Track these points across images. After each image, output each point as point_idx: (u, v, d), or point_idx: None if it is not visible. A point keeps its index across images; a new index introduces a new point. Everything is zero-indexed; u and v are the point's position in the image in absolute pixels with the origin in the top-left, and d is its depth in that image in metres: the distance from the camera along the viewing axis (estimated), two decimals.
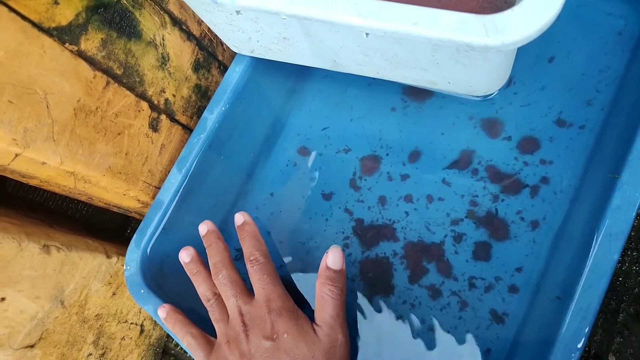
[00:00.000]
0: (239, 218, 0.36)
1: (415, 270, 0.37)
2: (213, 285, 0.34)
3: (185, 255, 0.35)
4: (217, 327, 0.33)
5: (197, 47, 0.41)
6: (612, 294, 0.37)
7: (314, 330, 0.31)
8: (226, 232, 0.42)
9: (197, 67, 0.42)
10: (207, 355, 0.32)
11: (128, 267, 0.38)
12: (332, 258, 0.32)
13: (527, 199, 0.36)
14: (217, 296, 0.33)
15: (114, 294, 0.41)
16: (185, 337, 0.33)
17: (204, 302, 0.34)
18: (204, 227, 0.36)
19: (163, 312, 0.35)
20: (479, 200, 0.37)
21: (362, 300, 0.38)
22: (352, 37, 0.29)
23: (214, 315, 0.33)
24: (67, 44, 0.30)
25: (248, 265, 0.33)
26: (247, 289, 0.33)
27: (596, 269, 0.28)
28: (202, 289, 0.34)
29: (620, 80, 0.36)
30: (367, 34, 0.27)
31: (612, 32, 0.37)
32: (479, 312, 0.35)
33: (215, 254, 0.34)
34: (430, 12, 0.24)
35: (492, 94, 0.37)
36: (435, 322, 0.35)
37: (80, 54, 0.31)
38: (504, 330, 0.34)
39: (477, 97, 0.37)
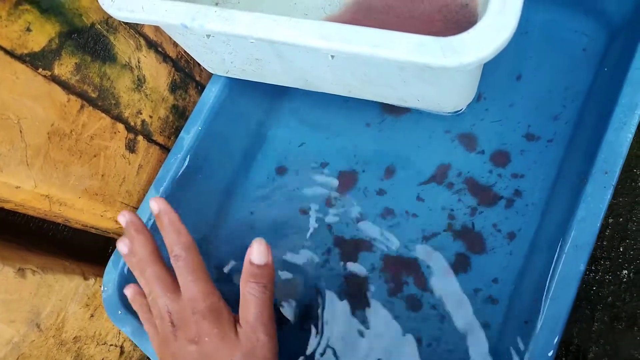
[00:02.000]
0: (153, 206, 0.32)
1: (394, 283, 0.38)
2: (145, 285, 0.32)
3: (122, 247, 0.33)
4: (147, 330, 0.32)
5: (173, 69, 0.42)
6: (587, 303, 0.37)
7: (236, 331, 0.30)
8: (210, 249, 0.42)
9: (174, 87, 0.42)
10: (158, 345, 0.31)
11: (105, 289, 0.38)
12: (256, 252, 0.30)
13: (502, 211, 0.37)
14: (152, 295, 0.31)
15: (92, 315, 0.41)
16: (145, 323, 0.32)
17: (147, 297, 0.32)
18: (121, 219, 0.33)
19: (130, 293, 0.33)
20: (456, 214, 0.38)
21: (344, 313, 0.38)
22: (320, 59, 0.30)
23: (154, 311, 0.32)
24: (40, 69, 0.31)
25: (172, 261, 0.31)
26: (175, 283, 0.31)
27: (563, 279, 0.29)
28: (142, 284, 0.32)
29: (585, 95, 0.37)
30: (332, 56, 0.28)
31: (577, 48, 0.38)
32: (458, 323, 0.35)
33: (139, 249, 0.32)
34: (390, 34, 0.24)
35: (460, 109, 0.38)
36: (416, 334, 0.36)
37: (54, 79, 0.32)
38: (484, 340, 0.34)
39: (447, 113, 0.38)
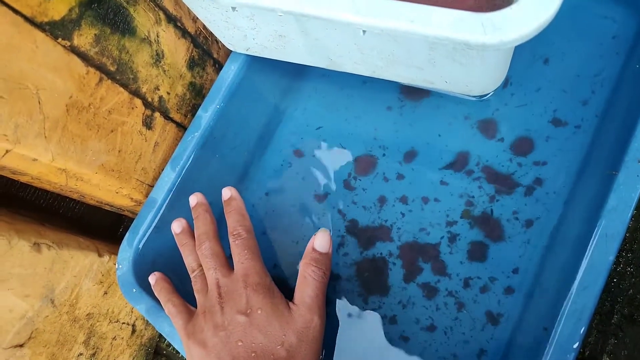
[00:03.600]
0: (226, 193, 0.36)
1: (410, 270, 0.37)
2: (198, 258, 0.34)
3: (177, 226, 0.36)
4: (197, 297, 0.33)
5: (192, 45, 0.41)
6: (607, 295, 0.37)
7: (290, 309, 0.31)
8: (224, 230, 0.42)
9: (192, 64, 0.41)
10: (185, 323, 0.32)
11: (120, 266, 0.37)
12: (320, 241, 0.33)
13: (522, 199, 0.36)
14: (201, 268, 0.34)
15: (105, 293, 0.40)
16: (167, 304, 0.34)
17: (189, 273, 0.35)
18: (193, 199, 0.37)
19: (153, 278, 0.36)
20: (475, 201, 0.37)
21: (357, 300, 0.37)
22: (348, 35, 0.29)
23: (195, 285, 0.34)
24: (59, 39, 0.30)
25: (230, 240, 0.33)
26: (228, 263, 0.33)
27: (592, 269, 0.28)
28: (189, 260, 0.35)
29: (615, 82, 0.36)
30: (364, 32, 0.27)
31: (607, 35, 0.37)
32: (474, 313, 0.35)
33: (202, 225, 0.35)
34: (427, 9, 0.23)
35: (488, 94, 0.37)
36: (430, 322, 0.35)
37: (73, 50, 0.31)
38: (498, 331, 0.34)
39: (473, 97, 0.37)
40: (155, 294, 0.35)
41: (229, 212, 0.35)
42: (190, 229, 0.36)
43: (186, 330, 0.32)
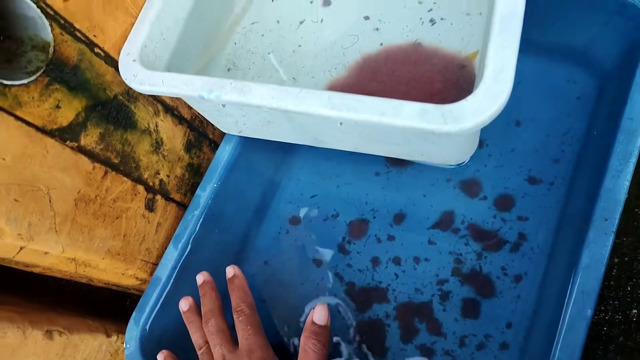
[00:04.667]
0: (230, 271, 0.38)
1: (407, 330, 0.38)
2: (205, 335, 0.36)
3: (184, 305, 0.38)
4: None
5: (188, 129, 0.44)
6: (599, 344, 0.38)
7: None
8: (226, 300, 0.43)
9: (189, 147, 0.44)
10: None
11: (128, 345, 0.39)
12: (318, 314, 0.34)
13: (509, 255, 0.38)
14: (208, 345, 0.36)
15: None
16: None
17: (197, 350, 0.36)
18: (200, 278, 0.39)
19: (161, 356, 0.37)
20: (463, 259, 0.39)
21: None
22: (329, 122, 0.32)
23: None
24: (67, 142, 0.33)
25: (235, 316, 0.35)
26: (233, 339, 0.35)
27: (572, 325, 0.30)
28: (196, 337, 0.37)
29: (583, 140, 0.39)
30: (340, 123, 0.30)
31: (572, 96, 0.40)
32: None
33: (208, 302, 0.37)
34: (395, 103, 0.26)
35: (463, 162, 0.40)
36: None
37: (80, 149, 0.34)
38: None
39: (451, 165, 0.40)
40: None
41: (233, 289, 0.37)
42: (197, 307, 0.38)
43: None
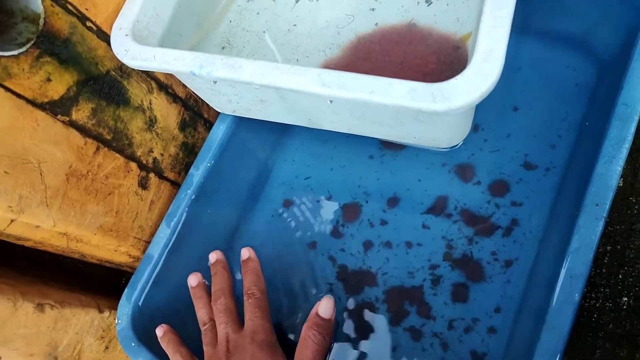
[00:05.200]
0: (245, 253, 0.39)
1: (397, 314, 0.39)
2: (211, 312, 0.36)
3: (193, 280, 0.38)
4: (206, 350, 0.35)
5: (183, 108, 0.44)
6: (588, 330, 0.38)
7: None
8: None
9: (183, 126, 0.44)
10: None
11: (119, 321, 0.39)
12: (324, 307, 0.34)
13: (500, 240, 0.38)
14: (213, 322, 0.36)
15: (106, 347, 0.42)
16: (175, 355, 0.35)
17: (200, 326, 0.36)
18: (213, 256, 0.39)
19: (161, 330, 0.37)
20: (455, 244, 0.39)
21: (347, 344, 0.39)
22: (320, 101, 0.32)
23: (205, 338, 0.35)
24: (59, 116, 0.33)
25: (245, 298, 0.36)
26: (239, 320, 0.35)
27: (560, 309, 0.30)
28: (201, 313, 0.37)
29: (579, 126, 0.38)
30: (331, 101, 0.29)
31: (570, 82, 0.40)
32: (460, 353, 0.36)
33: (219, 281, 0.37)
34: (385, 81, 0.26)
35: (456, 145, 0.40)
36: None
37: (72, 124, 0.34)
38: None
39: (442, 148, 0.40)
40: (163, 346, 0.37)
41: (246, 271, 0.37)
42: (205, 284, 0.39)
43: None
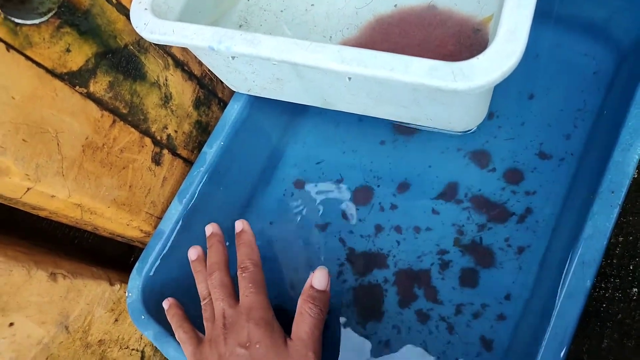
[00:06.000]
0: (239, 225, 0.38)
1: (405, 296, 0.39)
2: (209, 286, 0.36)
3: (193, 253, 0.38)
4: (206, 325, 0.35)
5: (198, 86, 0.44)
6: (597, 319, 0.38)
7: (287, 344, 0.32)
8: (229, 259, 0.44)
9: (197, 104, 0.44)
10: (194, 349, 0.34)
11: (130, 294, 0.40)
12: (318, 278, 0.34)
13: (514, 227, 0.38)
14: (211, 297, 0.35)
15: (116, 320, 0.42)
16: (178, 330, 0.35)
17: (201, 300, 0.36)
18: (209, 229, 0.38)
19: (167, 304, 0.37)
20: (465, 230, 0.39)
21: (354, 325, 0.39)
22: (338, 79, 0.32)
23: (205, 313, 0.35)
24: (77, 87, 0.33)
25: (238, 272, 0.35)
26: (235, 294, 0.35)
27: (570, 295, 0.30)
28: (201, 287, 0.36)
29: (595, 115, 0.38)
30: (349, 78, 0.29)
31: (588, 71, 0.39)
32: (468, 338, 0.36)
33: (214, 255, 0.36)
34: (404, 59, 0.26)
35: (471, 129, 0.39)
36: (424, 347, 0.37)
37: (89, 96, 0.34)
38: (491, 356, 0.35)
39: (457, 132, 0.40)
40: (168, 319, 0.37)
41: (240, 244, 0.36)
42: (205, 257, 0.38)
43: (194, 357, 0.33)
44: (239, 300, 0.34)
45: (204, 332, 0.36)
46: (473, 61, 0.25)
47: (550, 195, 0.37)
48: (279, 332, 0.33)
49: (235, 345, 0.32)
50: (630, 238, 0.39)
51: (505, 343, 0.35)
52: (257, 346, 0.31)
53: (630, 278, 0.38)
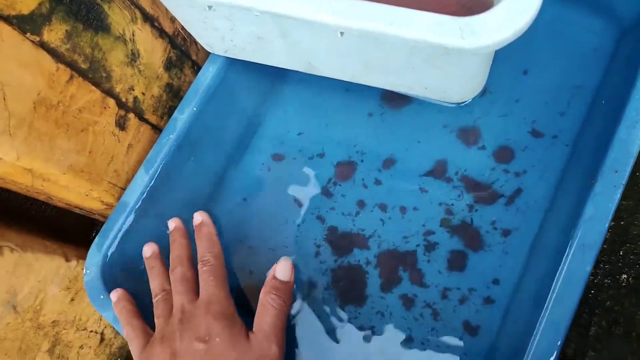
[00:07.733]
0: (197, 218, 0.36)
1: (388, 279, 0.36)
2: (165, 283, 0.34)
3: (148, 250, 0.36)
4: (157, 322, 0.33)
5: (169, 45, 0.40)
6: (585, 307, 0.36)
7: (249, 338, 0.31)
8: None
9: (169, 65, 0.40)
10: (142, 348, 0.32)
11: (88, 272, 0.36)
12: (281, 269, 0.34)
13: (502, 208, 0.36)
14: (165, 293, 0.34)
15: (72, 299, 0.39)
16: (125, 327, 0.33)
17: (153, 298, 0.34)
18: (172, 224, 0.37)
19: (115, 295, 0.34)
20: (454, 210, 0.37)
21: (333, 309, 0.36)
22: (327, 37, 0.29)
23: (157, 310, 0.33)
24: (28, 34, 0.29)
25: (199, 266, 0.34)
26: (196, 290, 0.33)
27: (569, 280, 0.28)
28: (154, 284, 0.34)
29: (594, 93, 0.36)
30: (341, 34, 0.26)
31: (588, 47, 0.37)
32: (452, 323, 0.34)
33: (176, 249, 0.35)
34: (406, 12, 0.23)
35: (465, 101, 0.37)
36: (408, 334, 0.34)
37: (43, 45, 0.30)
38: (477, 342, 0.33)
39: (451, 103, 0.37)
40: (116, 313, 0.34)
41: (199, 237, 0.35)
42: (160, 255, 0.36)
43: (141, 356, 0.31)
44: (198, 296, 0.33)
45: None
46: (483, 16, 0.22)
47: (543, 175, 0.36)
48: (240, 326, 0.31)
49: (192, 340, 0.30)
50: (622, 223, 0.37)
51: (494, 329, 0.33)
52: (217, 340, 0.30)
53: (620, 264, 0.36)
